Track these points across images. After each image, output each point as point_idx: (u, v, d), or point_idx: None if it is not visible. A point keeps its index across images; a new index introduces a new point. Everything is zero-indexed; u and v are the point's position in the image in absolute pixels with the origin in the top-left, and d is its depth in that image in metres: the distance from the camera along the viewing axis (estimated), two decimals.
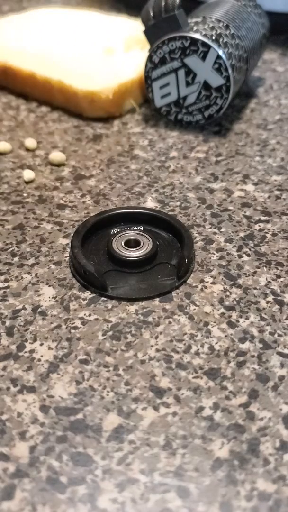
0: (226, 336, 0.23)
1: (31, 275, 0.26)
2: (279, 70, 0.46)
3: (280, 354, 0.22)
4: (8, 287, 0.25)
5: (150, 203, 0.30)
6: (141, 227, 0.28)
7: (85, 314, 0.24)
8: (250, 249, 0.27)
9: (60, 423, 0.20)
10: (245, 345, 0.23)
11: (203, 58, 0.34)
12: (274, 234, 0.28)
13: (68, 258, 0.27)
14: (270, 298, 0.25)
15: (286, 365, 0.22)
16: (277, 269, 0.26)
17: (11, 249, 0.27)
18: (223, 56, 0.34)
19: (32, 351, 0.22)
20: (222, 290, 0.25)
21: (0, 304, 0.24)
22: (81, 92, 0.37)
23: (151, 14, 0.35)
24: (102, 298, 0.25)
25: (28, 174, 0.32)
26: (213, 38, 0.34)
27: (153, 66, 0.36)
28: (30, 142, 0.35)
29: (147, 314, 0.24)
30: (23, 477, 0.18)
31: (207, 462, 0.19)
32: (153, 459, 0.19)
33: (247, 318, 0.24)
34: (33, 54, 0.41)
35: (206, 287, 0.25)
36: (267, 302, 0.25)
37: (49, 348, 0.22)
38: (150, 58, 0.36)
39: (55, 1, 0.60)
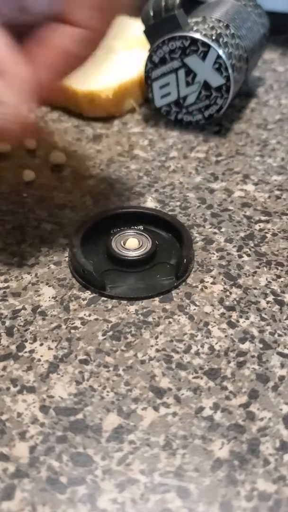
0: (226, 336, 0.23)
1: (31, 275, 0.26)
2: (279, 70, 0.46)
3: (280, 354, 0.22)
4: (8, 287, 0.25)
5: (150, 203, 0.30)
6: (141, 227, 0.28)
7: (85, 314, 0.24)
8: (250, 249, 0.27)
9: (60, 423, 0.20)
10: (245, 345, 0.23)
11: (203, 58, 0.34)
12: (274, 234, 0.28)
13: (67, 258, 0.27)
14: (270, 298, 0.25)
15: (286, 365, 0.22)
16: (277, 269, 0.26)
17: (11, 249, 0.27)
18: (223, 56, 0.34)
19: (32, 351, 0.22)
20: (222, 290, 0.25)
21: (0, 304, 0.24)
22: (81, 92, 0.37)
23: (151, 14, 0.35)
24: (102, 298, 0.25)
25: (28, 174, 0.32)
26: (213, 38, 0.34)
27: (153, 66, 0.36)
28: (30, 142, 0.35)
29: (147, 314, 0.24)
30: (23, 477, 0.18)
31: (207, 462, 0.19)
32: (153, 459, 0.19)
33: (247, 318, 0.24)
34: None
35: (206, 287, 0.25)
36: (267, 302, 0.25)
37: (49, 348, 0.22)
38: (150, 58, 0.36)
39: None
